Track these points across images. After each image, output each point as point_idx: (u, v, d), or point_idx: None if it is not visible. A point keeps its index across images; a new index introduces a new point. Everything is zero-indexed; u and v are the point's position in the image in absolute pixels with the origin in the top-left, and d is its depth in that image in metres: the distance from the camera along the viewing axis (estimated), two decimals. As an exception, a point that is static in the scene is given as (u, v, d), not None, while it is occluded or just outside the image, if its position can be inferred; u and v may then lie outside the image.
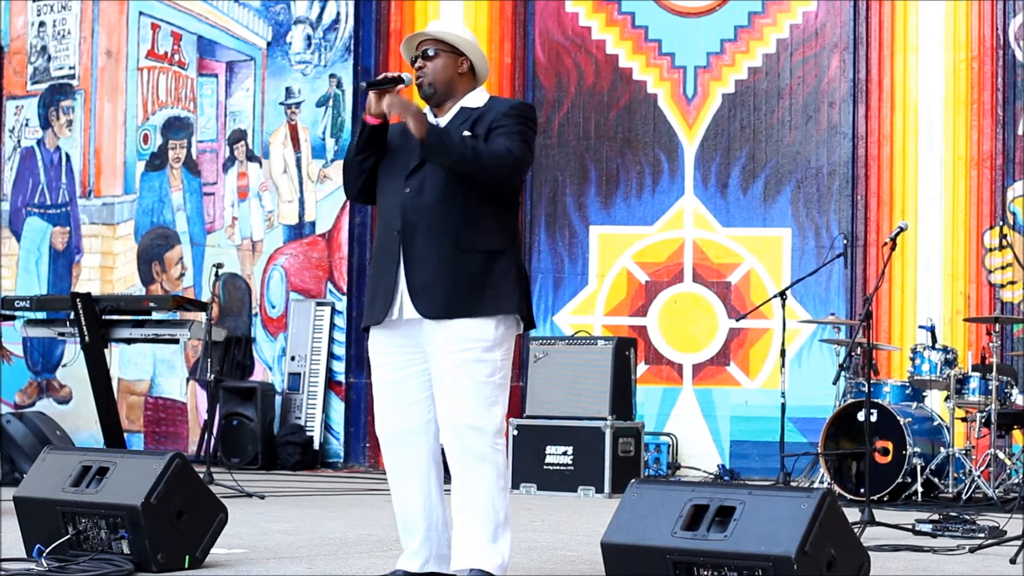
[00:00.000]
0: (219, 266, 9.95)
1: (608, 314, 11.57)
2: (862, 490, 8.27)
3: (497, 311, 4.87)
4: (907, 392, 9.50)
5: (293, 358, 12.01)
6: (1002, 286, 10.78)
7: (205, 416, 10.40)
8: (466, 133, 4.90)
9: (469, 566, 4.82)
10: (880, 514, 7.39)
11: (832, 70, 11.32)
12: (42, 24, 13.26)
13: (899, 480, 8.94)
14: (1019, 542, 5.89)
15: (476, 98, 5.04)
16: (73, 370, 11.75)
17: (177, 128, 12.71)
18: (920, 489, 8.94)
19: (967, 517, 7.19)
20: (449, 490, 4.93)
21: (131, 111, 12.87)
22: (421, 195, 4.89)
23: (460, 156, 4.82)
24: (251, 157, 12.42)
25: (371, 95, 4.91)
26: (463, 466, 4.84)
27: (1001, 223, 10.71)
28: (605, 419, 9.48)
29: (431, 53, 5.01)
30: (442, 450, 4.98)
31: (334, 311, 11.99)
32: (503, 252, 4.92)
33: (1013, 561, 5.86)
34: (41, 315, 10.67)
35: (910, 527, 6.95)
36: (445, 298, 4.83)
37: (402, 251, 4.89)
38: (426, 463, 4.96)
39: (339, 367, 11.95)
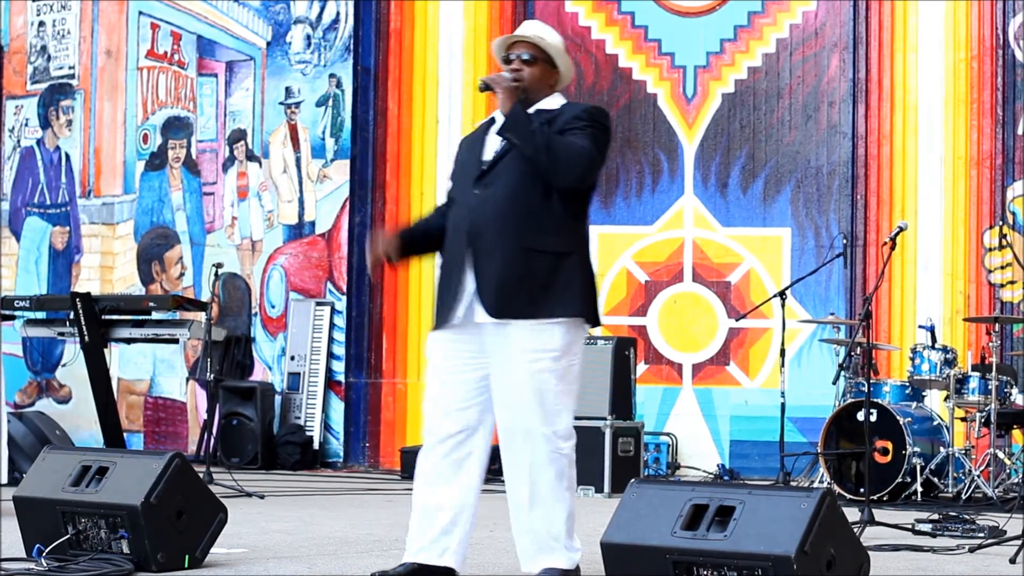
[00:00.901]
0: (219, 266, 9.95)
1: (608, 314, 11.56)
2: (862, 490, 8.26)
3: (560, 313, 4.85)
4: (907, 392, 9.50)
5: (293, 358, 12.01)
6: (1002, 286, 10.78)
7: (205, 416, 10.40)
8: None
9: (541, 566, 4.86)
10: (880, 514, 7.39)
11: (832, 70, 11.32)
12: (42, 24, 13.25)
13: (899, 480, 8.94)
14: (1019, 542, 5.89)
15: (552, 102, 5.05)
16: (73, 370, 11.74)
17: (177, 128, 12.71)
18: (920, 489, 8.94)
19: (967, 517, 7.18)
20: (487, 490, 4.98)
21: (131, 111, 12.87)
22: (489, 198, 4.89)
23: (536, 139, 4.82)
24: (251, 157, 12.41)
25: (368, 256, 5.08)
26: (527, 472, 4.85)
27: (1001, 223, 10.71)
28: (605, 419, 9.47)
29: (527, 58, 5.01)
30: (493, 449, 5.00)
31: (334, 311, 11.99)
32: (570, 254, 4.91)
33: (1013, 561, 5.86)
34: (41, 315, 10.65)
35: (910, 527, 6.94)
36: (509, 297, 4.82)
37: (469, 253, 4.89)
38: (472, 465, 4.96)
39: (339, 367, 11.95)
